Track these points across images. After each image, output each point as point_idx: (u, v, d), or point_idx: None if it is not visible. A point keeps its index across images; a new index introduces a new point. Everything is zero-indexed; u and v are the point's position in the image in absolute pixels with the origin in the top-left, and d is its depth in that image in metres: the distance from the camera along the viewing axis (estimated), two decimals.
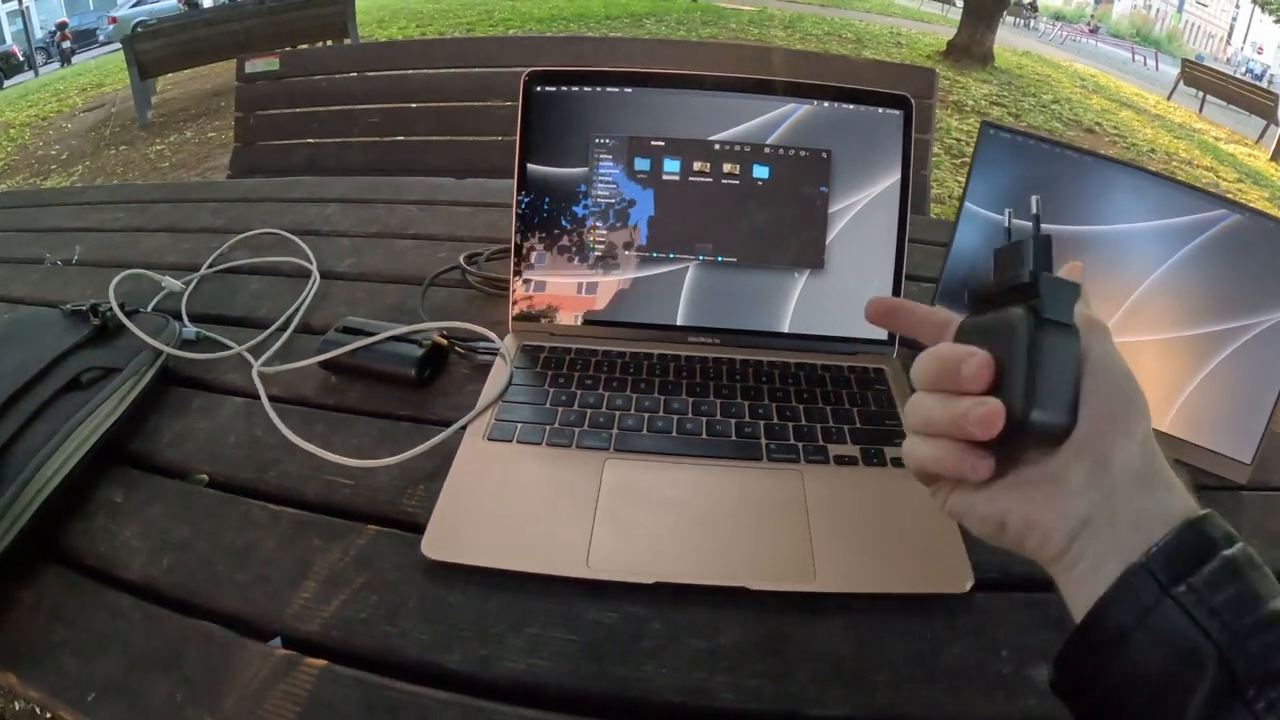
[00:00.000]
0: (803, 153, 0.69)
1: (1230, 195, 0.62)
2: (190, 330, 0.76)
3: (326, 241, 0.99)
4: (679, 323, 0.70)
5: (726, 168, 0.69)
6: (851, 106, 0.69)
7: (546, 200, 0.71)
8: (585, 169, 0.70)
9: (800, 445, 0.58)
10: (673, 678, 0.45)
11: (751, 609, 0.49)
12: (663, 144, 0.69)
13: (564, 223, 0.71)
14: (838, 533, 0.52)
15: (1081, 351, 0.35)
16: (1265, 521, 0.59)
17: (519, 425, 0.61)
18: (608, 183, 0.70)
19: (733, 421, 0.60)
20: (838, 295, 0.69)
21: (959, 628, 0.48)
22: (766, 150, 0.69)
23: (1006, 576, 0.51)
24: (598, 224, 0.70)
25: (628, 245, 0.70)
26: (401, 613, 0.48)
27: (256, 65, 1.83)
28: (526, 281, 0.71)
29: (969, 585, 0.49)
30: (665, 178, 0.70)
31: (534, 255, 0.71)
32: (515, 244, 0.71)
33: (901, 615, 0.49)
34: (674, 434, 0.59)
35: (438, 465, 0.58)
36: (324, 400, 0.68)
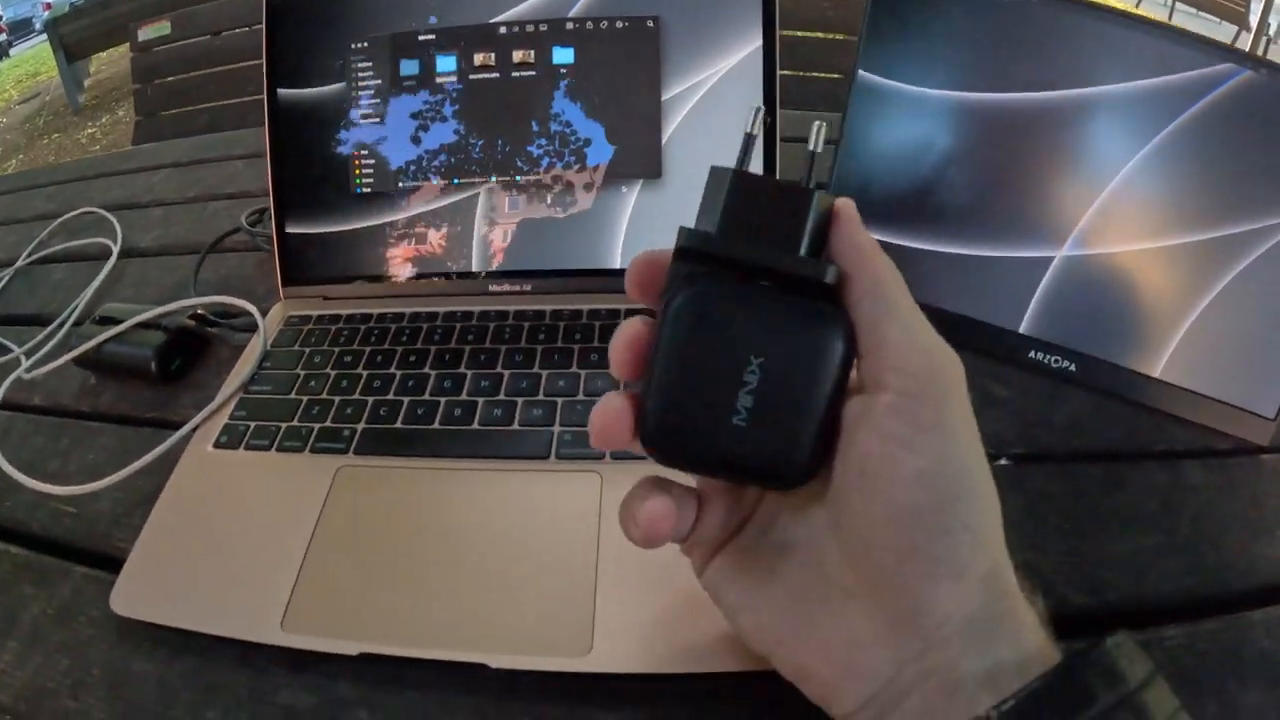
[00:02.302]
0: (620, 23, 0.51)
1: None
2: None
3: (141, 214, 0.85)
4: (475, 268, 0.53)
5: (517, 56, 0.52)
6: None
7: (304, 133, 0.54)
8: (344, 84, 0.54)
9: None
10: None
11: (494, 695, 0.34)
12: (432, 37, 0.52)
13: (325, 158, 0.54)
14: (635, 576, 0.35)
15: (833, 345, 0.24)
16: None
17: (251, 425, 0.46)
18: (370, 98, 0.53)
19: (519, 402, 0.44)
20: (685, 211, 0.52)
21: None
22: (569, 26, 0.51)
23: None
24: (362, 153, 0.54)
25: (400, 175, 0.54)
26: (86, 683, 0.38)
27: (148, 31, 1.72)
28: (293, 236, 0.55)
29: None
30: (439, 80, 0.52)
31: (297, 203, 0.55)
32: (274, 192, 0.55)
33: (726, 708, 0.33)
34: (435, 425, 0.44)
35: (164, 481, 0.45)
36: (80, 406, 0.57)
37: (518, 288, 0.53)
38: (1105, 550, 0.39)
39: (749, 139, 0.26)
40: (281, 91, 0.55)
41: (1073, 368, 0.48)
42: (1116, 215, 0.46)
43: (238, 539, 0.40)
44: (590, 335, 0.48)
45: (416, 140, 0.53)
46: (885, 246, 0.26)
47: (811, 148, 0.26)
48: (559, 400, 0.44)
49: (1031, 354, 0.49)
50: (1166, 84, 0.45)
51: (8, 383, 0.56)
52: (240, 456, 0.45)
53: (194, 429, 0.47)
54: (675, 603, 0.34)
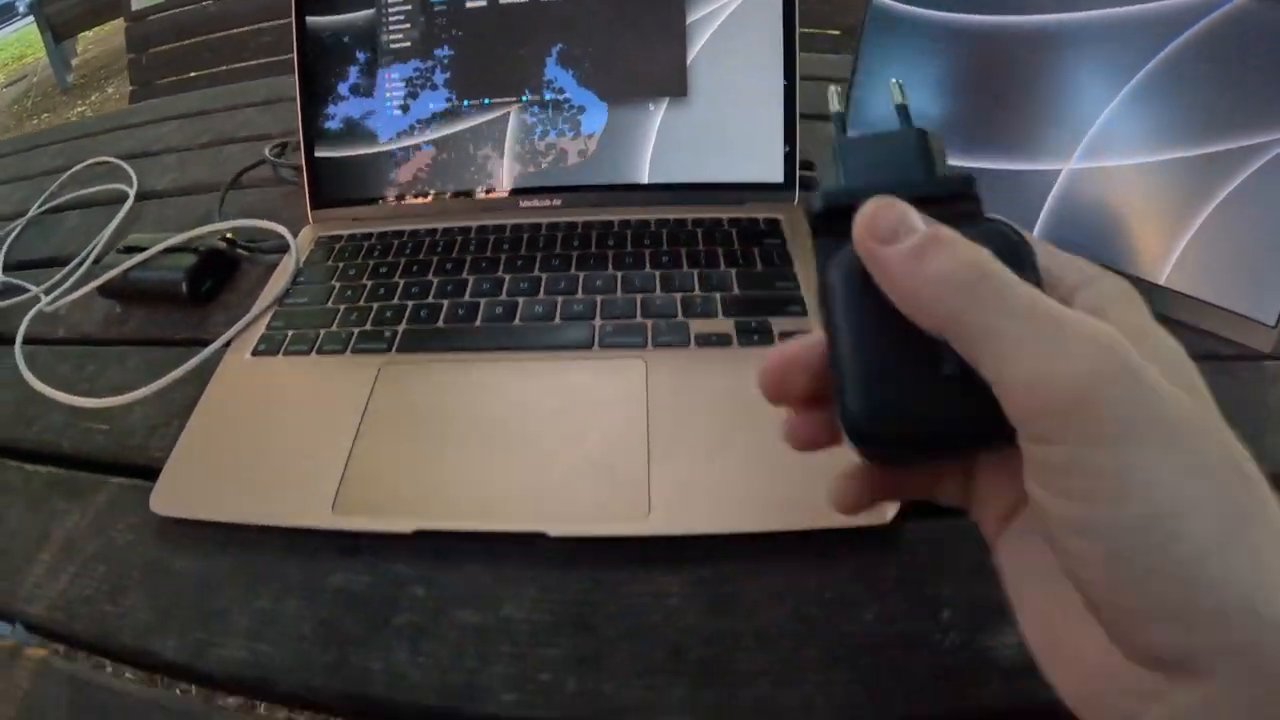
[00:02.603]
0: None
1: None
2: None
3: (154, 161, 0.85)
4: (504, 185, 0.54)
5: None
6: None
7: (333, 58, 0.55)
8: (373, 10, 0.54)
9: (648, 324, 0.43)
10: (432, 670, 0.32)
11: (552, 565, 0.35)
12: None
13: (355, 82, 0.55)
14: (688, 447, 0.37)
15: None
16: None
17: (289, 333, 0.47)
18: (399, 22, 0.54)
19: (558, 300, 0.45)
20: (710, 129, 0.53)
21: (875, 580, 0.33)
22: None
23: None
24: (392, 76, 0.54)
25: (432, 98, 0.54)
26: (125, 587, 0.38)
27: (142, 0, 1.70)
28: (321, 160, 0.56)
29: (891, 514, 0.33)
30: (470, 4, 0.53)
31: (327, 128, 0.56)
32: (302, 118, 0.56)
33: (783, 565, 0.34)
34: (477, 323, 0.45)
35: (199, 393, 0.46)
36: (106, 334, 0.57)
37: (548, 203, 0.54)
38: None
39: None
40: (310, 18, 0.55)
41: None
42: (1120, 130, 0.48)
43: (282, 435, 0.41)
44: (623, 242, 0.50)
45: (447, 62, 0.54)
46: None
47: (898, 101, 0.25)
48: (599, 297, 0.45)
49: None
50: (1166, 7, 0.46)
51: (29, 317, 0.56)
52: (280, 361, 0.45)
53: (229, 341, 0.48)
54: (728, 468, 0.36)
